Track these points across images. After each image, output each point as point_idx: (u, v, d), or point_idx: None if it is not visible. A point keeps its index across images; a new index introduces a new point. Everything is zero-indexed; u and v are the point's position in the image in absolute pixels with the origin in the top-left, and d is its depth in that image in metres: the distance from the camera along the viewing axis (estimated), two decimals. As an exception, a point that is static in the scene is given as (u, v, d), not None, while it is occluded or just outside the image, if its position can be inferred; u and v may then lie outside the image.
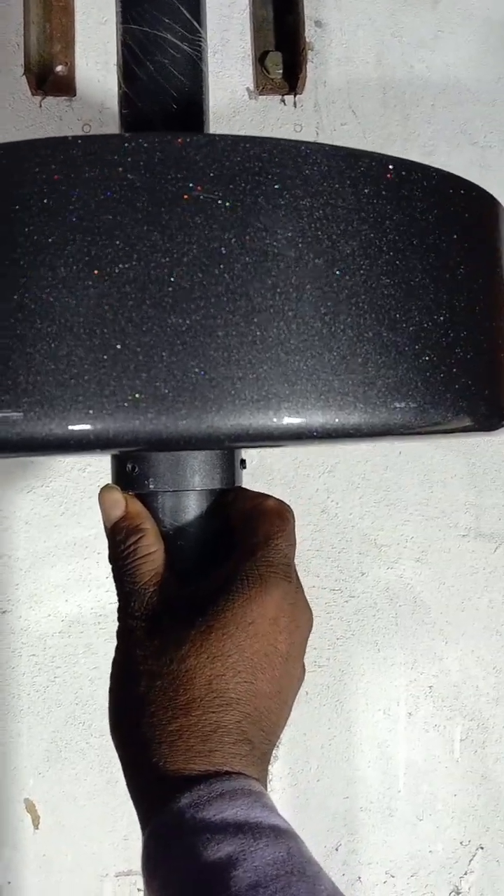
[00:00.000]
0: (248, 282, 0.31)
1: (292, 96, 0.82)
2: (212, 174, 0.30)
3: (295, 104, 0.82)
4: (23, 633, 0.79)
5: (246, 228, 0.31)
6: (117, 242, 0.29)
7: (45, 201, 0.29)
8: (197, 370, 0.31)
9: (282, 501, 0.44)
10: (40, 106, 0.79)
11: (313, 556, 0.80)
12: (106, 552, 0.43)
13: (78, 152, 0.29)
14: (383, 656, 0.84)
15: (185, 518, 0.44)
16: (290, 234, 0.31)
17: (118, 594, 0.42)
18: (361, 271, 0.33)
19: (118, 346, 0.30)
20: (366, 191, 0.33)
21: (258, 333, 0.31)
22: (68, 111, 0.80)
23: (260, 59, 0.81)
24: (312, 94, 0.82)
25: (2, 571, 0.79)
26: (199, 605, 0.39)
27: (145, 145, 0.30)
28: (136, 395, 0.30)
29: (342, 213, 0.32)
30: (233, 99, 0.82)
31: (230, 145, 0.30)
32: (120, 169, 0.29)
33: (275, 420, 0.32)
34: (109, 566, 0.43)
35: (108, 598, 0.79)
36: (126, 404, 0.30)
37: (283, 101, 0.82)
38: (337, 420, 0.33)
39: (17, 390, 0.30)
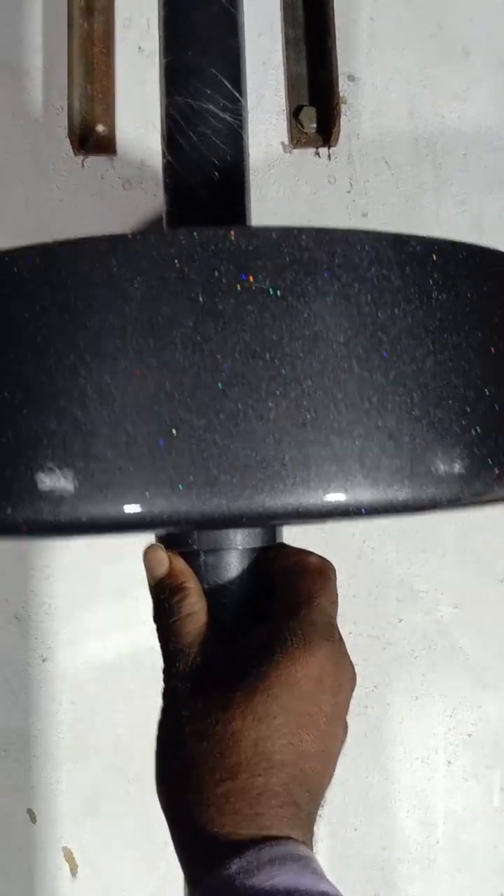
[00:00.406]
0: (297, 367, 0.32)
1: (326, 149, 0.83)
2: (263, 265, 0.31)
3: (329, 157, 0.83)
4: (62, 680, 0.80)
5: (296, 316, 0.32)
6: (173, 332, 0.31)
7: (104, 295, 0.31)
8: (248, 452, 0.32)
9: (323, 558, 0.44)
10: (83, 165, 0.82)
11: (349, 603, 0.80)
12: (144, 598, 0.44)
13: (135, 248, 0.31)
14: (421, 704, 0.83)
15: (226, 576, 0.44)
16: (338, 320, 0.32)
17: (163, 655, 0.43)
18: (408, 351, 0.34)
19: (173, 432, 0.31)
20: (412, 273, 0.34)
21: (308, 416, 0.32)
22: (110, 170, 0.82)
23: (294, 114, 0.83)
24: (346, 147, 0.84)
25: (43, 619, 0.80)
26: (243, 665, 0.39)
27: (198, 239, 0.31)
28: (190, 478, 0.31)
29: (389, 296, 0.33)
30: (268, 153, 0.83)
31: (280, 236, 0.32)
32: (175, 262, 0.31)
33: (324, 499, 0.33)
34: (153, 622, 0.43)
35: (146, 643, 0.80)
36: (181, 487, 0.31)
37: (317, 153, 0.84)
38: (385, 497, 0.34)
39: (77, 474, 0.31)
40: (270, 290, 0.31)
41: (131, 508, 0.31)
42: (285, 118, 0.84)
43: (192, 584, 0.43)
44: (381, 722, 0.82)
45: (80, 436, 0.31)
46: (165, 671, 0.42)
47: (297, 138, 0.83)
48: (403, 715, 0.83)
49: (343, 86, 0.84)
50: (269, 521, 0.34)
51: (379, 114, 0.85)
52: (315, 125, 0.83)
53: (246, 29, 0.85)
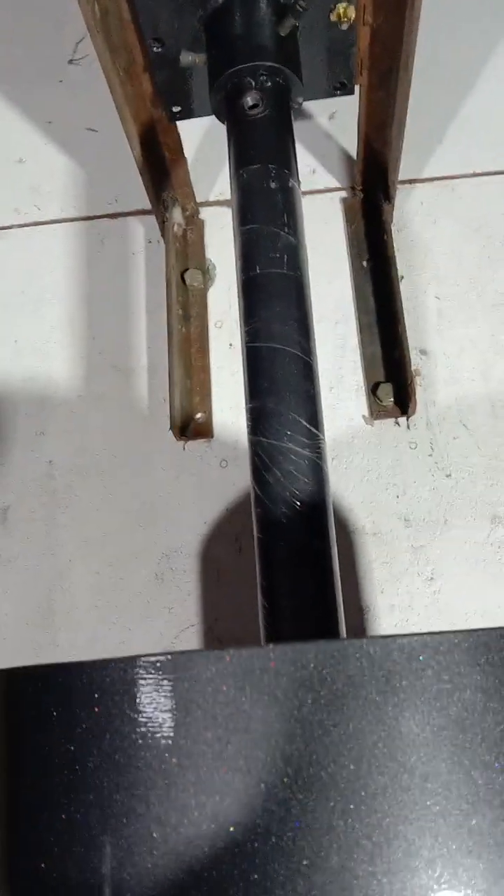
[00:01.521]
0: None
1: (405, 419, 0.89)
2: (341, 683, 0.34)
3: (408, 426, 0.89)
4: None
5: (378, 724, 0.34)
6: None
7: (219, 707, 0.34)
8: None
9: None
10: (184, 449, 0.91)
11: None
12: None
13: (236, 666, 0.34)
14: None
15: None
16: (421, 723, 0.34)
17: None
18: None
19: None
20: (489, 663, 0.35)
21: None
22: (208, 451, 0.91)
23: (372, 390, 0.91)
24: (424, 414, 0.89)
25: None
26: None
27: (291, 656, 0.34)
28: None
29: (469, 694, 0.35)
30: (350, 426, 0.90)
31: (357, 649, 0.34)
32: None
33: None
34: None
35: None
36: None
37: (396, 423, 0.90)
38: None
39: None
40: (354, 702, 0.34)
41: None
42: (364, 394, 0.91)
43: None
44: None
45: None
46: None
47: (377, 411, 0.90)
48: None
49: (416, 360, 0.91)
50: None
51: (453, 381, 0.91)
52: (392, 399, 0.90)
53: (324, 319, 0.95)
